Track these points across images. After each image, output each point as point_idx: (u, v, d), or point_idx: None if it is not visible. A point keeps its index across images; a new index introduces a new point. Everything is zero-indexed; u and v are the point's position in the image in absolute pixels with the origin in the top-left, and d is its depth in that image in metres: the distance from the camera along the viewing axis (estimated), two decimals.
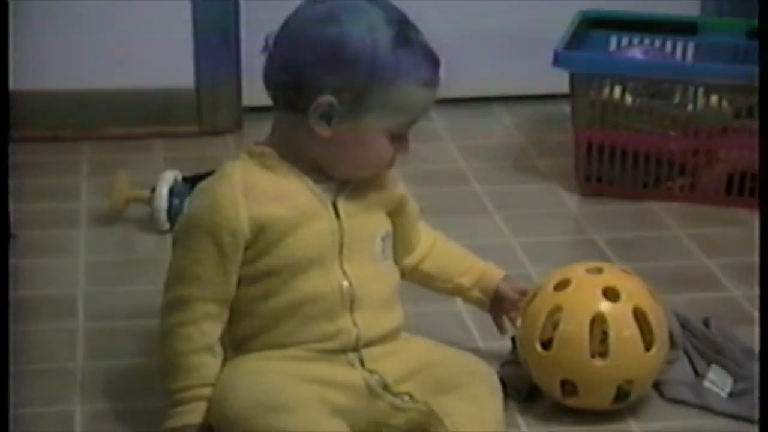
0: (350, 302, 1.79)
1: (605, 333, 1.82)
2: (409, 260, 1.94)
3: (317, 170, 1.79)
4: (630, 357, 1.84)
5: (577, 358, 1.83)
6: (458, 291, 2.00)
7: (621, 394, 1.85)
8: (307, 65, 1.72)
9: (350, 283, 1.79)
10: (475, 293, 1.99)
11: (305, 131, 1.75)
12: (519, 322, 1.90)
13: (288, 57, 1.74)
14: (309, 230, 1.76)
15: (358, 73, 1.72)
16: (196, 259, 1.75)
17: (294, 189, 1.77)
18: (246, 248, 1.75)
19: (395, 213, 1.88)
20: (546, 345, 1.84)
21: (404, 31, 1.75)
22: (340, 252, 1.78)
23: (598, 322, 1.83)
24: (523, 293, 1.94)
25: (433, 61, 1.78)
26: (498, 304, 1.99)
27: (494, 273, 2.00)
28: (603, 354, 1.82)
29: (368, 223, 1.83)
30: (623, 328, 1.83)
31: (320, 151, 1.77)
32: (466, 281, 1.98)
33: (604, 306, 1.84)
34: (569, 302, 1.85)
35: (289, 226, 1.75)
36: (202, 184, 1.82)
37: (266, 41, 1.79)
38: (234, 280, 1.76)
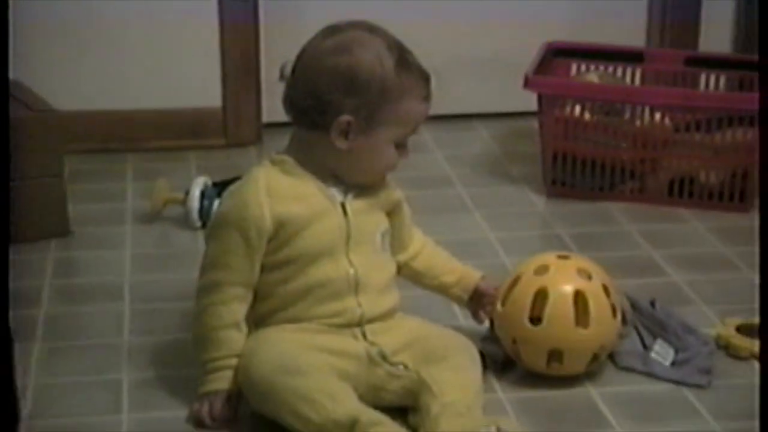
0: (355, 286, 1.79)
1: (585, 306, 1.83)
2: (402, 257, 1.93)
3: (330, 176, 1.79)
4: (605, 324, 1.85)
5: (565, 329, 1.83)
6: (442, 288, 1.99)
7: (593, 359, 1.86)
8: (328, 91, 1.72)
9: (355, 271, 1.79)
10: (456, 291, 1.98)
11: (324, 145, 1.75)
12: (501, 307, 1.89)
13: (309, 85, 1.74)
14: (321, 226, 1.77)
15: (371, 95, 1.72)
16: (226, 250, 1.76)
17: (309, 191, 1.78)
18: (269, 240, 1.75)
19: (392, 214, 1.88)
20: (534, 321, 1.84)
21: (403, 56, 1.76)
22: (347, 244, 1.79)
23: (579, 297, 1.83)
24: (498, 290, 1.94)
25: (427, 78, 1.79)
26: (477, 300, 1.98)
27: (473, 274, 1.99)
28: (584, 324, 1.83)
29: (370, 221, 1.83)
30: (599, 301, 1.84)
31: (337, 161, 1.77)
32: (449, 279, 1.98)
33: (583, 284, 1.85)
34: (554, 283, 1.85)
35: (304, 223, 1.76)
36: (233, 187, 1.82)
37: (281, 71, 1.79)
38: (258, 267, 1.77)
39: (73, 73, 2.82)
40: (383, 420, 1.66)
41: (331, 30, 1.78)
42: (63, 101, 2.55)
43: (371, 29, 1.78)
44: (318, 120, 1.74)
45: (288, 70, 1.78)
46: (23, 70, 2.63)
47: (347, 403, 1.66)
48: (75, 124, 2.73)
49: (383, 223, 1.86)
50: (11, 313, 1.75)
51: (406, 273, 1.96)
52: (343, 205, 1.79)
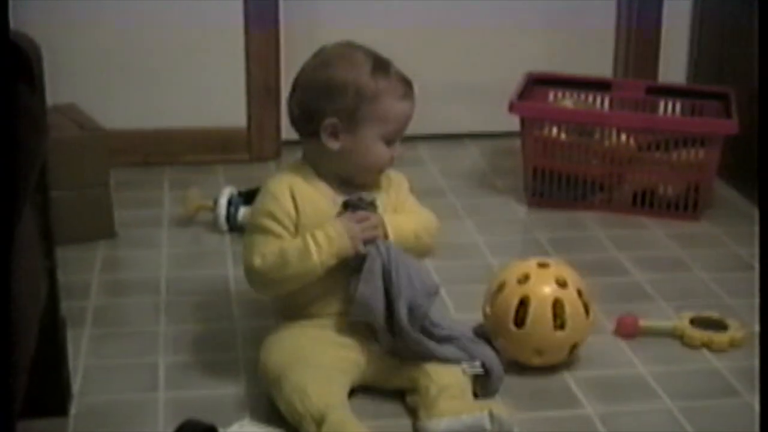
0: None
1: (561, 311, 1.82)
2: None
3: (336, 180, 1.78)
4: (579, 326, 1.84)
5: (545, 332, 1.82)
6: None
7: (571, 352, 1.86)
8: (311, 100, 1.74)
9: None
10: None
11: (320, 149, 1.75)
12: (489, 309, 1.87)
13: (298, 98, 1.76)
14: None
15: (347, 98, 1.72)
16: (265, 231, 1.75)
17: (318, 197, 1.77)
18: (295, 227, 1.74)
19: (399, 210, 1.84)
20: (518, 325, 1.83)
21: (379, 63, 1.75)
22: None
23: (557, 304, 1.82)
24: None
25: (405, 81, 1.77)
26: None
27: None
28: (561, 326, 1.82)
29: None
30: (574, 306, 1.83)
31: (337, 162, 1.76)
32: None
33: (560, 292, 1.83)
34: (534, 292, 1.83)
35: (314, 223, 1.73)
36: (264, 188, 1.80)
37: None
38: None
39: (119, 97, 2.82)
40: (348, 423, 1.59)
41: (318, 51, 1.79)
42: (110, 121, 2.55)
43: (351, 45, 1.78)
44: (309, 128, 1.75)
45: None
46: (77, 94, 2.63)
47: (326, 400, 1.62)
48: (120, 141, 2.73)
49: None
50: (64, 304, 1.75)
51: None
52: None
